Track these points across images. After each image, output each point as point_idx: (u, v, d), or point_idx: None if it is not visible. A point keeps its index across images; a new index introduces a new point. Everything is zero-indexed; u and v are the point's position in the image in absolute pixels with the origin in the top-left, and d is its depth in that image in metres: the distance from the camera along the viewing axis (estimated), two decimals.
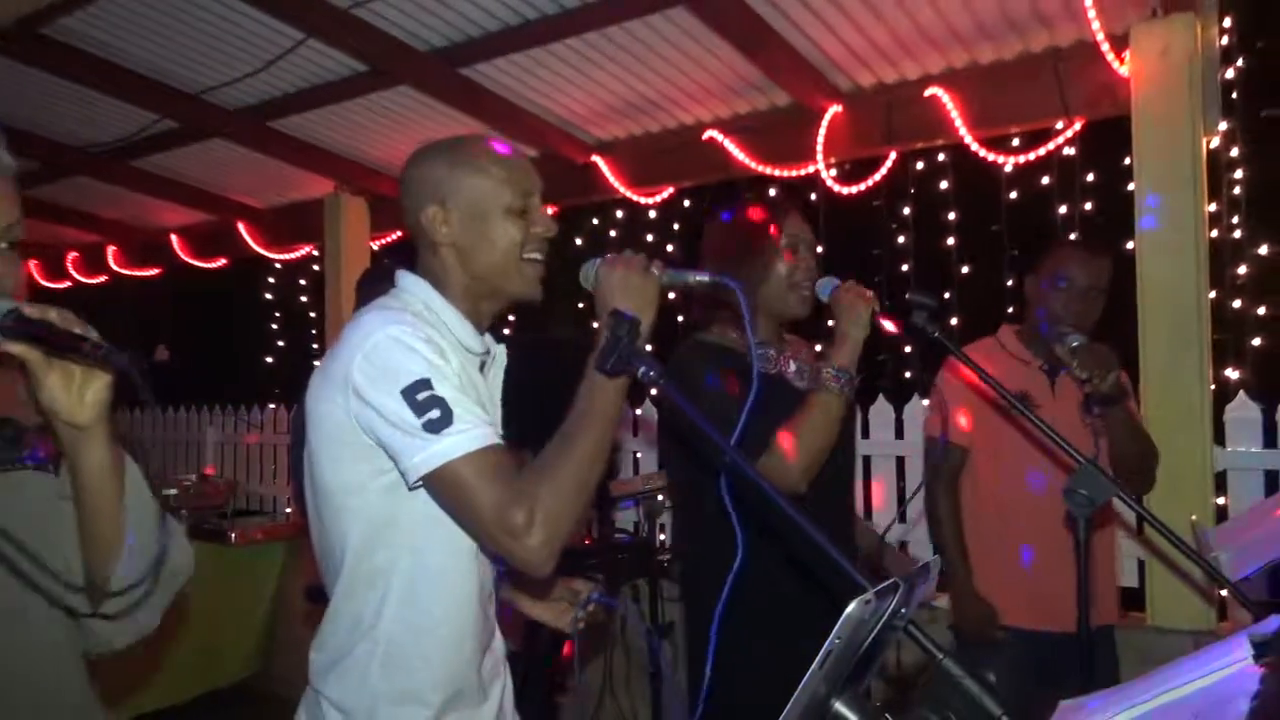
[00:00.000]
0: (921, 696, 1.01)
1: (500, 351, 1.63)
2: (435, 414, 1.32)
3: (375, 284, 2.92)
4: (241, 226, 5.98)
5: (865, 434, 3.69)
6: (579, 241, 5.36)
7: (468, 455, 1.31)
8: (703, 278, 1.44)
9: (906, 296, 2.09)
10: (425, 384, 1.33)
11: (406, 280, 1.55)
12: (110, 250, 6.81)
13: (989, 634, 2.51)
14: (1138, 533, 3.16)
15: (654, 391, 1.38)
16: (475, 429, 1.33)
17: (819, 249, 2.21)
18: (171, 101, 4.50)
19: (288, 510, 5.83)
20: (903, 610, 0.98)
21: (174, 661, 4.38)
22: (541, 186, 1.55)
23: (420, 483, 1.36)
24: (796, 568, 2.01)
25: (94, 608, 1.32)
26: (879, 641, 1.00)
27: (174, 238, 6.37)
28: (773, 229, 2.11)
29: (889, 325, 1.98)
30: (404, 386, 1.34)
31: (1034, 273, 2.63)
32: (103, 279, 6.97)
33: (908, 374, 4.35)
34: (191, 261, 6.37)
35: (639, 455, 4.38)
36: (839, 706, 0.97)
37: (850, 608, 0.86)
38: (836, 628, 0.86)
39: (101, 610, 1.31)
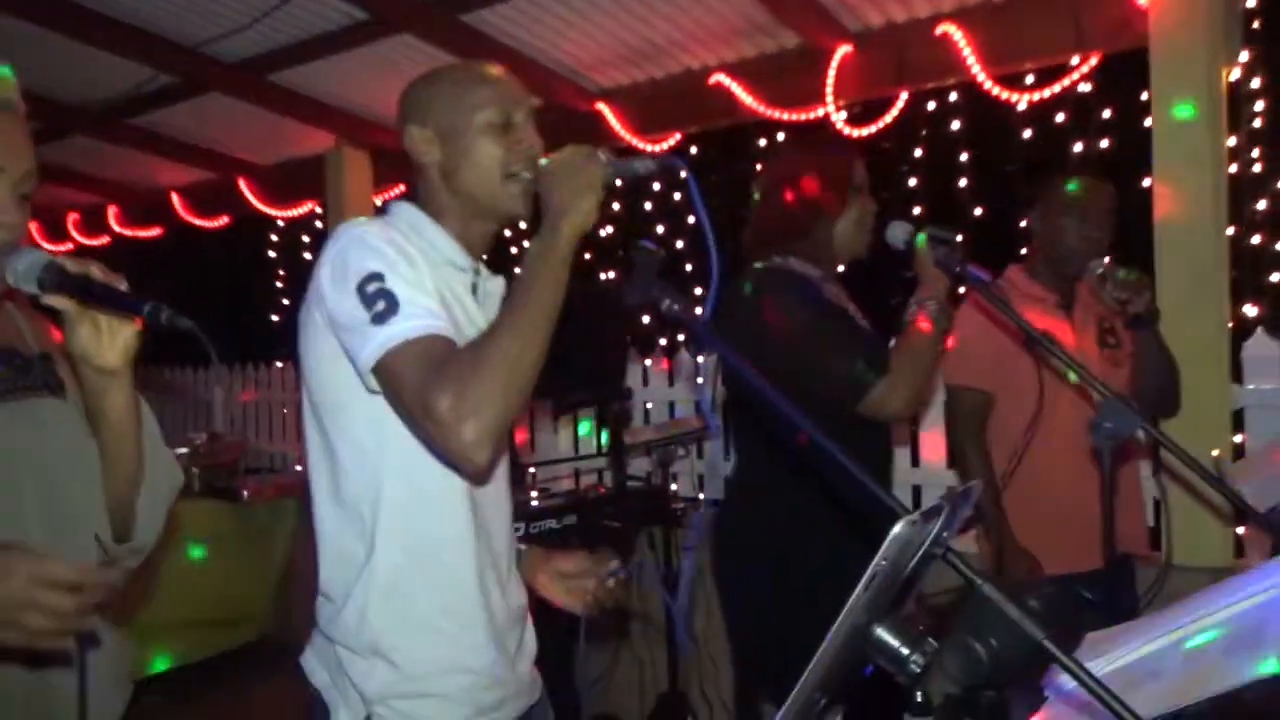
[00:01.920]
0: (960, 623, 1.00)
1: (498, 283, 1.60)
2: (381, 305, 1.30)
3: None
4: (243, 183, 5.91)
5: None
6: None
7: (404, 342, 1.28)
8: (650, 164, 1.41)
9: (929, 232, 2.07)
10: (377, 277, 1.31)
11: (394, 205, 1.54)
12: (111, 211, 6.76)
13: (1034, 584, 2.51)
14: (1154, 471, 3.14)
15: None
16: (417, 320, 1.29)
17: None
18: (167, 55, 4.43)
19: (298, 468, 5.85)
20: (944, 534, 0.97)
21: (190, 621, 4.41)
22: (531, 104, 1.51)
23: (374, 384, 1.32)
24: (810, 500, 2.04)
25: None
26: (918, 568, 0.98)
27: (174, 196, 6.31)
28: (852, 170, 2.24)
29: (977, 272, 2.03)
30: (357, 282, 1.32)
31: (1039, 208, 2.63)
32: (104, 240, 6.92)
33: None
34: (193, 220, 6.32)
35: (650, 406, 4.37)
36: (880, 632, 0.95)
37: (896, 528, 0.84)
38: (883, 548, 0.84)
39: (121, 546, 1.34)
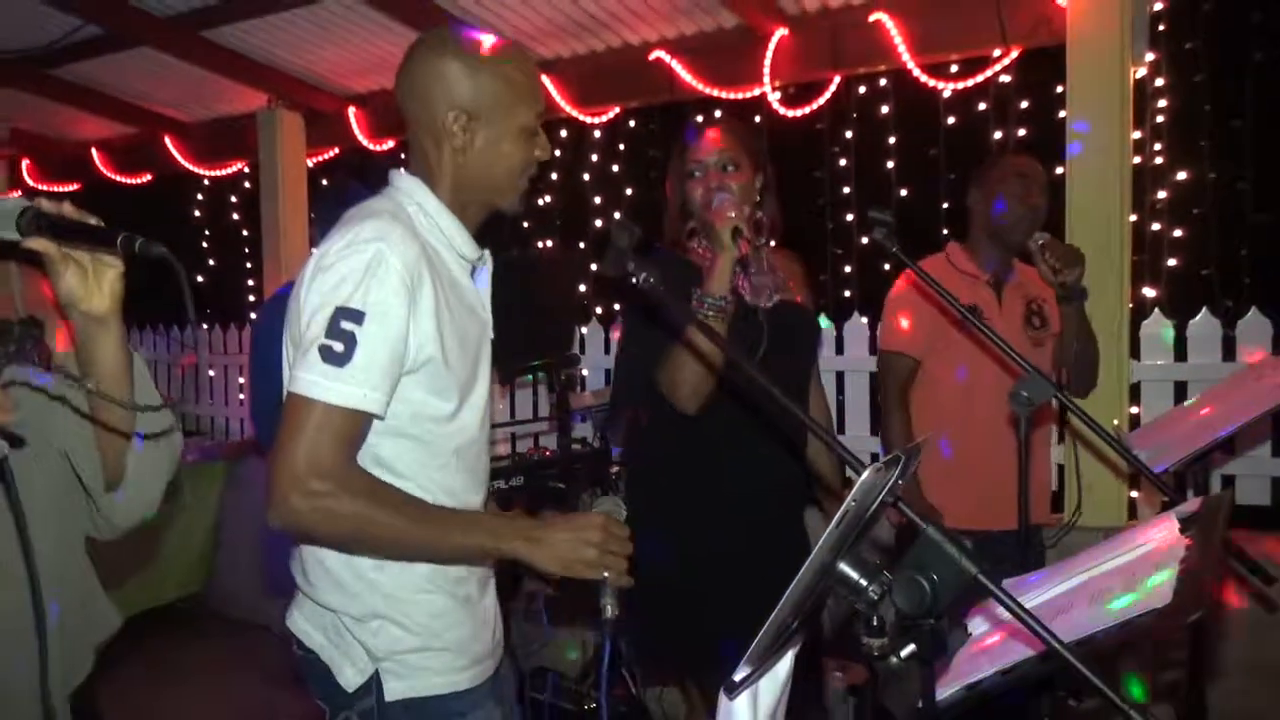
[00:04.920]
0: (907, 559, 1.15)
1: (487, 256, 1.65)
2: (339, 347, 1.32)
3: (334, 204, 2.99)
4: (168, 140, 5.78)
5: None
6: None
7: (327, 404, 1.32)
8: (610, 609, 1.48)
9: (868, 214, 2.22)
10: (357, 317, 1.33)
11: (402, 181, 1.54)
12: (24, 164, 6.51)
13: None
14: (1058, 439, 3.39)
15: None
16: (355, 388, 1.32)
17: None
18: (98, 6, 4.31)
19: (225, 431, 5.79)
20: (899, 483, 1.11)
21: (116, 578, 4.38)
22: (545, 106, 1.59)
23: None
24: (712, 461, 2.17)
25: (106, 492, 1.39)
26: (877, 511, 1.13)
27: (95, 151, 6.12)
28: (680, 155, 2.23)
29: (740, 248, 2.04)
30: (339, 305, 1.34)
31: (979, 187, 2.74)
32: (15, 194, 6.64)
33: (847, 292, 4.53)
34: (114, 177, 6.14)
35: (585, 374, 4.48)
36: (842, 565, 1.10)
37: (865, 474, 0.98)
38: (853, 491, 0.98)
39: (113, 494, 1.38)
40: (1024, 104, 4.00)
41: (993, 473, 2.58)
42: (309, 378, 1.33)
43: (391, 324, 1.35)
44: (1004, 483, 2.63)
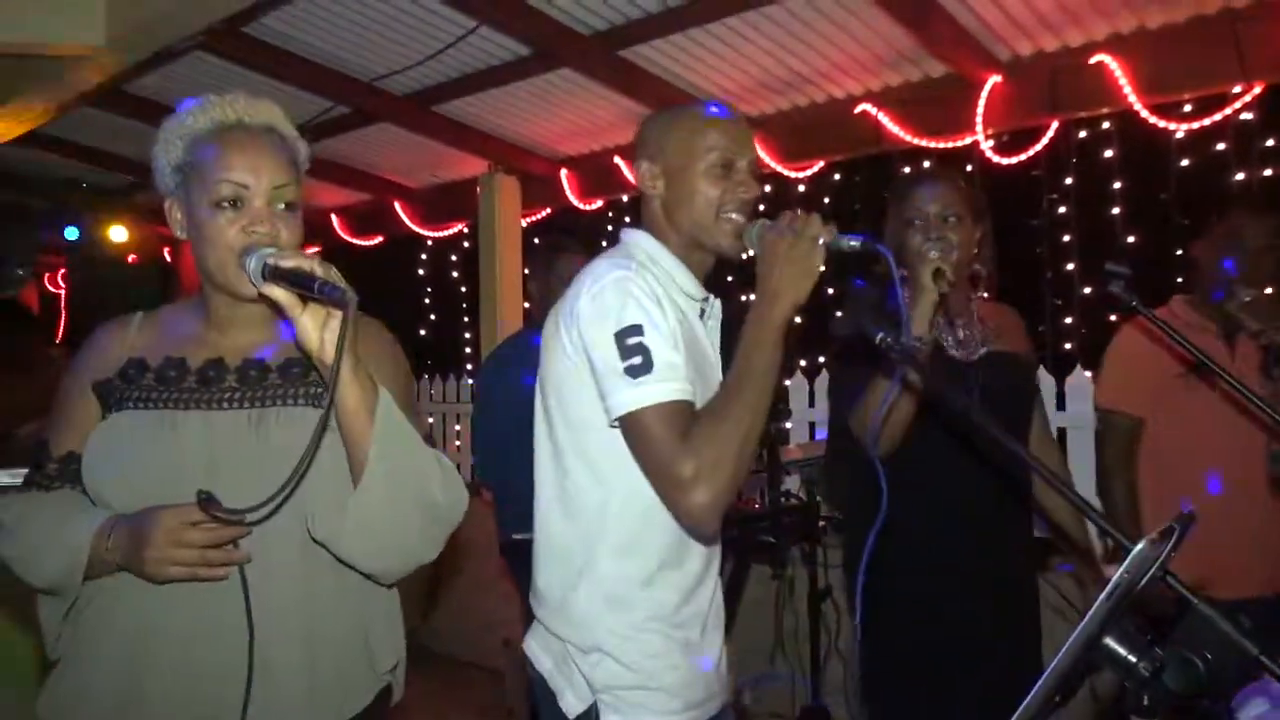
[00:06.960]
0: (1177, 636, 1.09)
1: (718, 306, 1.74)
2: (638, 360, 1.43)
3: (543, 254, 3.27)
4: (397, 205, 6.27)
5: None
6: None
7: (656, 405, 1.42)
8: (854, 242, 1.49)
9: (1105, 267, 2.14)
10: (637, 330, 1.44)
11: (631, 234, 1.68)
12: None
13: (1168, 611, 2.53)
14: None
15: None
16: (670, 382, 1.43)
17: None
18: (347, 89, 4.77)
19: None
20: (1173, 555, 1.07)
21: None
22: (754, 155, 1.64)
23: (616, 423, 1.47)
24: (940, 523, 2.12)
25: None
26: (1148, 585, 1.08)
27: (334, 218, 6.73)
28: (900, 203, 2.22)
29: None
30: (617, 330, 1.45)
31: (1205, 239, 2.63)
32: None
33: (1068, 345, 4.31)
34: (350, 240, 6.73)
35: (789, 426, 4.47)
36: (1110, 641, 1.06)
37: (1139, 545, 0.95)
38: (1125, 563, 0.96)
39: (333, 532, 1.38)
40: (1270, 142, 3.72)
41: (1231, 537, 2.39)
42: (626, 398, 1.44)
43: (661, 324, 1.47)
44: (1241, 548, 2.43)
